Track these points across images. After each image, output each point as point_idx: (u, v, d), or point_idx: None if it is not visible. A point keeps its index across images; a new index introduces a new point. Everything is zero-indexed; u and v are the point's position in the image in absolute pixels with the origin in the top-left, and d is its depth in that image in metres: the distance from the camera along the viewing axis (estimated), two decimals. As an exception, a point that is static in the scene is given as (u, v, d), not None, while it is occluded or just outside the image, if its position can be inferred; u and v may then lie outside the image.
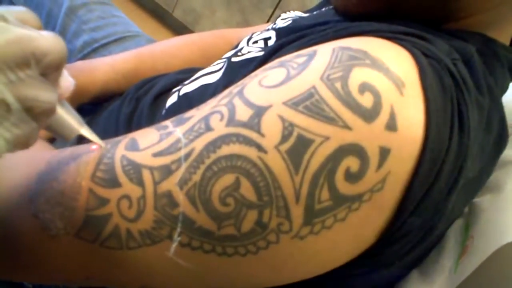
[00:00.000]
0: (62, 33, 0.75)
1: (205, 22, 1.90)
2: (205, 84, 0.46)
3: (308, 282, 0.33)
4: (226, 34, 0.75)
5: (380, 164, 0.28)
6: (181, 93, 0.48)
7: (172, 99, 0.48)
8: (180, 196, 0.29)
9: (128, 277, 0.32)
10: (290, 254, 0.30)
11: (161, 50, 0.68)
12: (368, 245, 0.32)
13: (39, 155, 0.34)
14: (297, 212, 0.28)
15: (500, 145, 0.39)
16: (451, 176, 0.31)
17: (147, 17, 2.07)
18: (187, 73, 0.57)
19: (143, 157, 0.30)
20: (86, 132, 0.30)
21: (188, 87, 0.48)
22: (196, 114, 0.32)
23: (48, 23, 0.76)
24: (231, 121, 0.29)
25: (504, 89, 0.42)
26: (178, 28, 2.02)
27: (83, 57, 0.73)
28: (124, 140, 0.32)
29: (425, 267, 0.43)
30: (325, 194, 0.28)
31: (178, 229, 0.29)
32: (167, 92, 0.52)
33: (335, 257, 0.32)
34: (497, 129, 0.37)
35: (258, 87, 0.30)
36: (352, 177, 0.28)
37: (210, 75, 0.47)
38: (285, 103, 0.29)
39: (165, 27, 2.08)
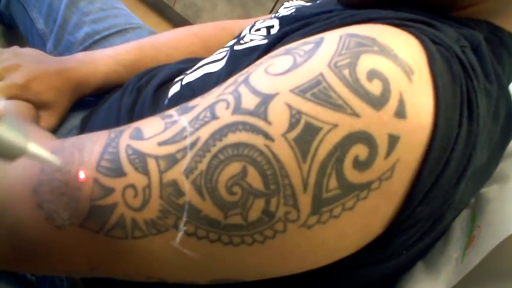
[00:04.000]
0: (63, 25, 0.74)
1: (206, 16, 1.89)
2: (208, 73, 0.45)
3: (315, 272, 0.33)
4: (227, 25, 0.75)
5: (389, 152, 0.28)
6: (184, 82, 0.47)
7: (174, 89, 0.48)
8: (186, 185, 0.28)
9: (133, 268, 0.32)
10: (297, 243, 0.29)
11: (162, 42, 0.67)
12: (376, 235, 0.31)
13: (42, 145, 0.33)
14: (305, 201, 0.28)
15: (507, 134, 0.39)
16: (460, 164, 0.31)
17: (147, 11, 2.06)
18: (189, 62, 0.57)
19: (148, 146, 0.30)
20: (35, 149, 0.26)
21: (190, 76, 0.47)
22: (201, 102, 0.31)
23: (49, 16, 0.75)
24: (237, 109, 0.29)
25: (511, 78, 0.41)
26: (179, 22, 2.01)
27: (84, 49, 0.73)
28: (128, 129, 0.32)
29: (430, 258, 0.43)
30: (333, 183, 0.28)
31: (184, 218, 0.28)
32: (169, 82, 0.52)
33: (342, 246, 0.31)
34: (504, 118, 0.37)
35: (264, 74, 0.30)
36: (360, 165, 0.28)
37: (213, 64, 0.46)
38: (292, 91, 0.28)
39: (166, 21, 2.07)
